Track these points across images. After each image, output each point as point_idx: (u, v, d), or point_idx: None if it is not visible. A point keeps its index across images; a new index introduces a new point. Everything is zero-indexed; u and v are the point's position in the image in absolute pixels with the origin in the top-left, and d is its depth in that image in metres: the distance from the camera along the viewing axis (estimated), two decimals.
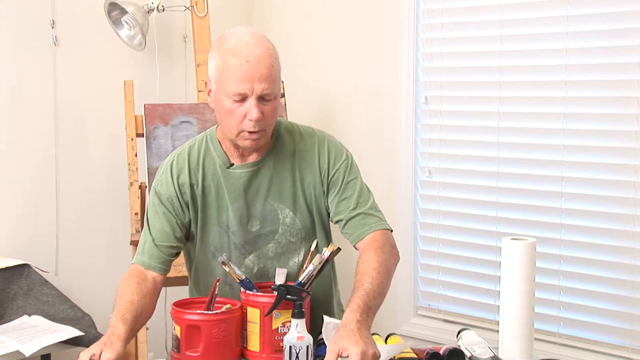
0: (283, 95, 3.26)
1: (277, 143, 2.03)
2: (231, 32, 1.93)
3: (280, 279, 1.91)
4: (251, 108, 1.86)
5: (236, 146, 1.98)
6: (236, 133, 1.91)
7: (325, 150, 2.04)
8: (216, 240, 2.02)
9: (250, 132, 1.89)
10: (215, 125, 2.05)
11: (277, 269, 1.93)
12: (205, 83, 1.97)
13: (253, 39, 1.89)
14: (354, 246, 2.00)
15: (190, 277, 2.15)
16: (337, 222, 2.02)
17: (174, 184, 2.00)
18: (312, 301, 1.95)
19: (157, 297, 1.95)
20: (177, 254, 2.02)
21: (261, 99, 1.87)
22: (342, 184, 2.01)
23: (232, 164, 2.01)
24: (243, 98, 1.86)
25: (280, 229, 2.02)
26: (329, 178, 2.03)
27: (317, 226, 2.06)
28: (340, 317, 2.00)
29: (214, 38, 3.30)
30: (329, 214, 2.06)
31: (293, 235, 2.03)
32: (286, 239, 2.03)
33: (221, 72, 1.89)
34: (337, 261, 2.14)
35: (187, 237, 2.04)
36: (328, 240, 2.09)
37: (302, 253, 2.05)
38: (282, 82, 3.21)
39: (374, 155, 3.29)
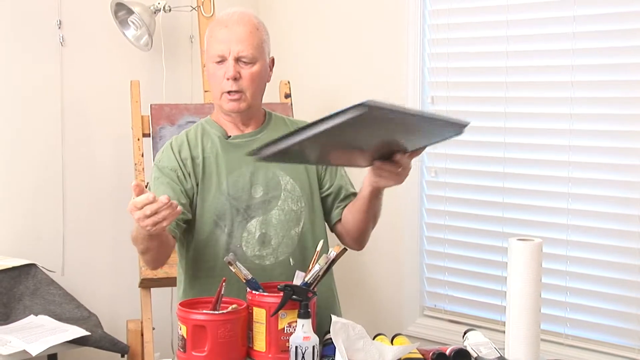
0: (289, 96, 3.26)
1: (271, 120, 2.21)
2: (224, 11, 2.13)
3: (297, 282, 1.91)
4: (228, 67, 2.03)
5: (230, 119, 2.13)
6: (219, 95, 2.08)
7: None
8: (218, 208, 2.08)
9: (229, 92, 2.05)
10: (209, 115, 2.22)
11: (296, 271, 1.93)
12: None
13: (239, 12, 2.09)
14: (340, 218, 2.19)
15: (183, 266, 2.18)
16: (339, 191, 2.20)
17: (176, 158, 2.09)
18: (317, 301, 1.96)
19: (171, 251, 2.04)
20: (185, 223, 2.07)
21: (239, 60, 2.04)
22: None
23: (230, 136, 2.13)
24: (222, 60, 2.04)
25: (282, 194, 2.12)
26: None
27: (314, 196, 2.17)
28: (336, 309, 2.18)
29: None
30: (319, 187, 2.20)
31: (294, 202, 2.13)
32: (288, 205, 2.12)
33: (208, 41, 2.09)
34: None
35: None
36: (324, 213, 2.22)
37: (301, 224, 2.13)
38: (288, 82, 3.25)
39: None
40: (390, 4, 3.32)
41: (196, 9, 3.32)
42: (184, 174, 2.08)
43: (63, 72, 3.21)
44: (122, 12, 3.24)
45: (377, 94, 3.42)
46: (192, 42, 3.57)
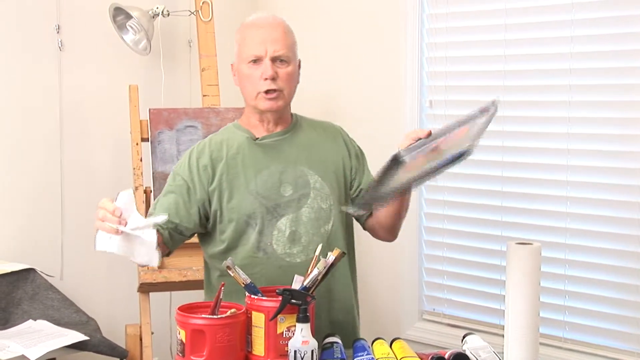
0: None
1: (298, 120, 2.25)
2: (252, 15, 2.18)
3: (295, 286, 1.91)
4: (265, 68, 2.07)
5: (261, 120, 2.16)
6: (254, 95, 2.10)
7: (346, 135, 2.32)
8: (248, 207, 2.11)
9: (266, 92, 2.08)
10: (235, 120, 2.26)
11: (295, 275, 1.94)
12: (232, 66, 2.18)
13: (271, 15, 2.15)
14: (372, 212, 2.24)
15: (213, 265, 2.19)
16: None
17: (190, 167, 2.12)
18: (333, 300, 2.08)
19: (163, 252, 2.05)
20: (182, 232, 2.11)
21: (275, 60, 2.08)
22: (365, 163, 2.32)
23: (257, 138, 2.16)
24: (258, 60, 2.08)
25: (311, 193, 2.15)
26: (356, 156, 2.29)
27: (342, 196, 2.21)
28: (356, 320, 2.28)
29: (219, 43, 3.33)
30: (348, 188, 2.24)
31: (323, 200, 2.16)
32: (317, 204, 2.15)
33: (240, 43, 2.12)
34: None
35: (207, 218, 2.14)
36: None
37: (331, 222, 2.17)
38: None
39: (378, 159, 3.25)
40: (387, 8, 3.32)
41: (194, 13, 3.33)
42: (195, 184, 2.11)
43: (61, 76, 3.21)
44: (120, 17, 3.24)
45: (375, 99, 3.44)
46: (190, 46, 3.57)
